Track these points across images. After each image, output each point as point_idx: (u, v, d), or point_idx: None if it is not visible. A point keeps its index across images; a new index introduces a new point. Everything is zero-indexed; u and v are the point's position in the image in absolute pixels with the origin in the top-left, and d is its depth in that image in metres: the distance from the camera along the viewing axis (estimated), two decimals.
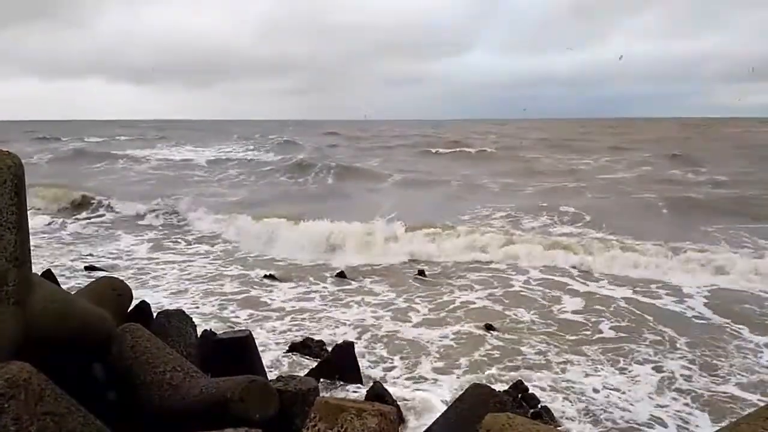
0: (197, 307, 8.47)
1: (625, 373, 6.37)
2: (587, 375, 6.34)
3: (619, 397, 5.78)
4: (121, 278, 4.53)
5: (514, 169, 27.29)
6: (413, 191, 20.99)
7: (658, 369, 6.49)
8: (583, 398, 5.77)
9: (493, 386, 4.50)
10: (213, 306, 8.67)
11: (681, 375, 6.31)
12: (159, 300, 8.40)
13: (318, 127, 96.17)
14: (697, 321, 8.15)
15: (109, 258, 11.79)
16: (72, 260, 11.42)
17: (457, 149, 38.44)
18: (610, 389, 5.98)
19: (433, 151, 37.63)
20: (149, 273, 10.58)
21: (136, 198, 18.50)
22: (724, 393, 5.87)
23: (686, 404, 5.65)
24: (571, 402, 5.68)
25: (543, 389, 5.95)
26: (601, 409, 5.54)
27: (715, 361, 6.65)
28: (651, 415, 5.45)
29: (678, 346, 7.13)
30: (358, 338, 7.38)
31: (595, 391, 5.93)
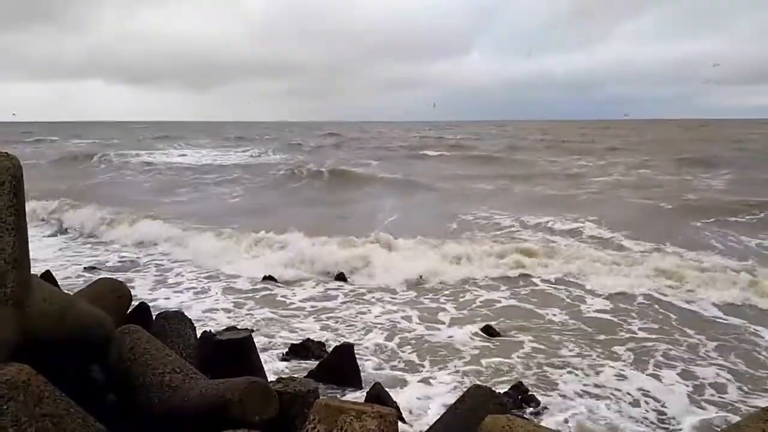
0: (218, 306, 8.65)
1: (658, 380, 6.25)
2: (620, 379, 6.27)
3: (655, 408, 5.67)
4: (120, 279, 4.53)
5: (516, 172, 27.24)
6: (411, 196, 20.66)
7: (689, 375, 6.37)
8: (618, 405, 5.69)
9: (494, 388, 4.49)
10: (231, 304, 8.79)
11: (713, 383, 6.19)
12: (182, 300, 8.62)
13: (317, 128, 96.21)
14: (717, 321, 8.13)
15: (110, 260, 11.79)
16: (73, 261, 11.43)
17: (457, 152, 38.52)
18: (648, 398, 5.85)
19: (432, 154, 37.59)
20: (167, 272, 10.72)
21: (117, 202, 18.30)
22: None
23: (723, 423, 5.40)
24: (606, 408, 5.60)
25: (579, 395, 5.90)
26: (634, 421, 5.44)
27: (756, 374, 6.45)
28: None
29: (707, 350, 7.07)
30: (389, 340, 7.39)
31: (633, 404, 5.73)
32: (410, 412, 5.40)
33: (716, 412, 5.56)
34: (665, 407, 5.66)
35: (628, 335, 7.59)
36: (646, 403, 5.75)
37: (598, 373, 6.39)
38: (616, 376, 6.34)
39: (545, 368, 6.56)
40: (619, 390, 5.98)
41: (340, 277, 10.38)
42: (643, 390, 6.01)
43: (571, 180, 24.51)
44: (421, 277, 10.34)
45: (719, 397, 5.90)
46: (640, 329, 7.81)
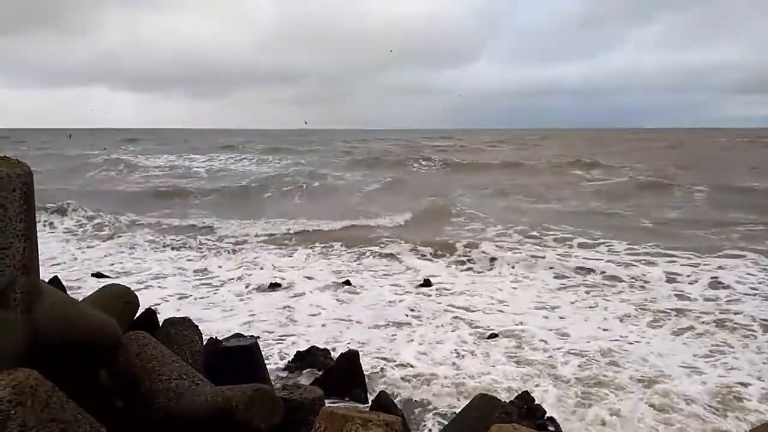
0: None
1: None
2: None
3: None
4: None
5: (522, 181, 27.09)
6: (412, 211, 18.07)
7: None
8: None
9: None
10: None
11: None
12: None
13: (322, 135, 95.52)
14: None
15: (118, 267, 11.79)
16: (80, 267, 11.46)
17: (465, 160, 38.25)
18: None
19: (425, 160, 37.06)
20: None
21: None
22: None
23: None
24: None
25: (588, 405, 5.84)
26: None
27: None
28: None
29: None
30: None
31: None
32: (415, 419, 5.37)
33: None
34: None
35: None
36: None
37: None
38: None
39: (551, 375, 6.52)
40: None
41: (347, 283, 10.27)
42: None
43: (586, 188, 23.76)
44: (425, 284, 10.19)
45: None
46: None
